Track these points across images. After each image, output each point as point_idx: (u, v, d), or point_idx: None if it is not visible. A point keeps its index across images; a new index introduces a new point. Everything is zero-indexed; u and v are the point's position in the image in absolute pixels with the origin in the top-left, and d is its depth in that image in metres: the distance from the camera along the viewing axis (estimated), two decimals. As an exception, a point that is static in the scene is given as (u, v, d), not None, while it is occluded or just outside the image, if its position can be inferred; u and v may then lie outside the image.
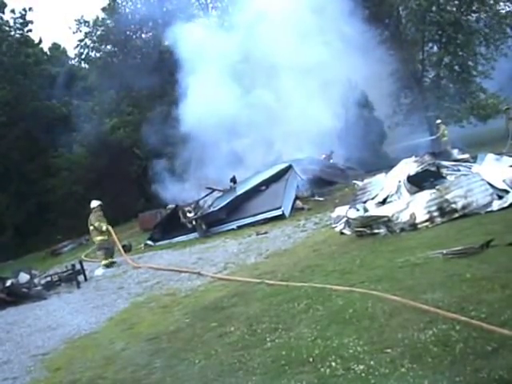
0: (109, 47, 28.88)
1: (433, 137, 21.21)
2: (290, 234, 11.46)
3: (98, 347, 6.59)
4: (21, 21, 30.03)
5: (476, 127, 22.86)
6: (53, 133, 29.51)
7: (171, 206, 18.40)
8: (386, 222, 8.54)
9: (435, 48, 23.53)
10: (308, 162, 17.96)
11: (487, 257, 5.76)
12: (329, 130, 19.51)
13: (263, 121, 19.44)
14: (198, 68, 19.99)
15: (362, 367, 3.91)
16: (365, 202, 10.17)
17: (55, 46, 36.64)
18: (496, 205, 8.33)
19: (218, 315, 6.38)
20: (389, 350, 4.06)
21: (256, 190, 15.67)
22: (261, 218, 14.10)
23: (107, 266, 12.86)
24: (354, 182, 15.23)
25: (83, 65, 32.12)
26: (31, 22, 30.35)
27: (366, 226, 8.76)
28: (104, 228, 13.09)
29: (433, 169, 9.84)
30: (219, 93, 19.35)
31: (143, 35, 28.39)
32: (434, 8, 21.26)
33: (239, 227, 14.26)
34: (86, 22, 28.44)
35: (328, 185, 17.32)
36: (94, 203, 13.55)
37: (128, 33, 28.08)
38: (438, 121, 20.75)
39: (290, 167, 16.41)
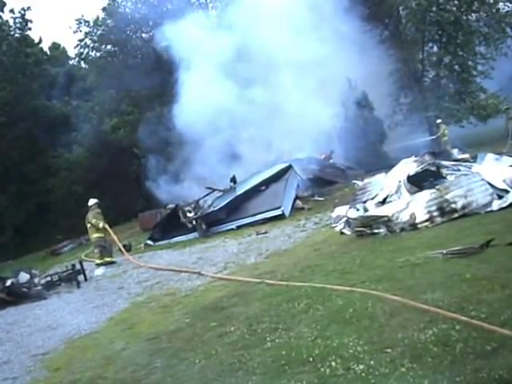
0: (109, 47, 28.85)
1: (433, 137, 21.20)
2: (290, 233, 11.47)
3: (98, 347, 6.59)
4: (20, 20, 30.03)
5: (476, 127, 22.85)
6: (53, 133, 29.52)
7: (171, 205, 18.42)
8: (386, 221, 8.55)
9: (435, 48, 23.52)
10: (308, 162, 17.97)
11: (487, 257, 5.75)
12: (328, 129, 19.52)
13: (263, 121, 19.45)
14: (197, 67, 19.99)
15: (361, 367, 3.90)
16: (365, 202, 10.17)
17: (55, 46, 36.67)
18: (496, 205, 8.33)
19: (217, 315, 6.38)
20: (389, 350, 4.06)
21: (256, 190, 15.68)
22: (261, 217, 14.11)
23: (101, 265, 12.88)
24: (354, 182, 15.23)
25: (83, 65, 32.09)
26: (30, 22, 30.37)
27: (366, 226, 8.77)
28: (100, 225, 13.13)
29: (433, 169, 9.84)
30: (218, 92, 19.35)
31: (143, 35, 28.37)
32: (433, 8, 21.24)
33: (239, 227, 14.26)
34: (86, 21, 28.42)
35: (328, 185, 17.32)
36: (92, 201, 13.68)
37: (128, 32, 28.06)
38: (439, 120, 20.74)
39: (289, 167, 16.42)
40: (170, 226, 15.97)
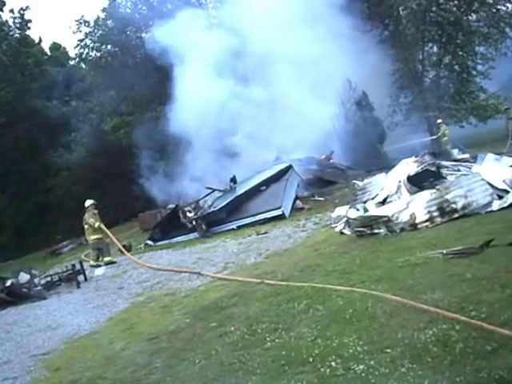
0: (109, 47, 28.85)
1: (433, 137, 21.19)
2: (290, 233, 11.47)
3: (98, 347, 6.59)
4: (19, 20, 30.06)
5: (476, 127, 22.86)
6: (53, 133, 29.55)
7: (171, 206, 18.43)
8: (386, 222, 8.54)
9: (435, 48, 23.52)
10: (308, 162, 17.98)
11: (487, 257, 5.75)
12: (329, 129, 19.54)
13: (263, 121, 19.47)
14: (196, 67, 19.99)
15: (361, 367, 3.90)
16: (365, 202, 10.17)
17: (56, 46, 36.69)
18: (496, 205, 8.33)
19: (218, 315, 6.38)
20: (389, 350, 4.06)
21: (256, 190, 15.68)
22: (261, 217, 14.11)
23: (96, 266, 12.93)
24: (354, 182, 15.23)
25: (83, 65, 32.11)
26: (30, 22, 30.40)
27: (366, 226, 8.76)
28: (96, 225, 13.17)
29: (433, 169, 9.85)
30: (218, 92, 19.36)
31: (143, 35, 28.37)
32: (433, 8, 21.24)
33: (239, 227, 14.26)
34: (86, 22, 28.43)
35: (328, 185, 17.34)
36: (88, 202, 13.74)
37: (128, 33, 28.06)
38: (439, 121, 20.74)
39: (289, 167, 16.43)
40: (170, 226, 15.97)
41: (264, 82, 19.87)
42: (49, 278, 11.90)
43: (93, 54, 29.11)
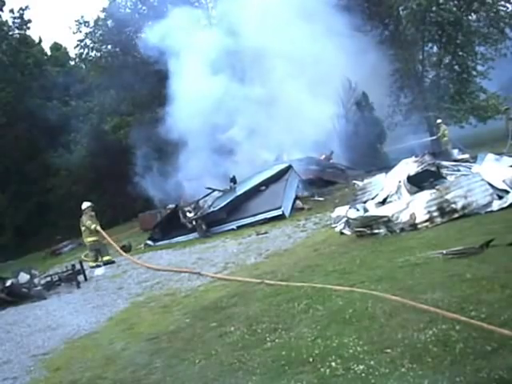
0: (109, 47, 28.85)
1: (433, 137, 21.19)
2: (290, 233, 11.46)
3: (98, 347, 6.59)
4: (19, 20, 30.06)
5: (476, 127, 22.85)
6: (53, 133, 29.55)
7: (171, 206, 18.43)
8: (386, 222, 8.54)
9: (435, 48, 23.52)
10: (308, 162, 17.98)
11: (487, 257, 5.75)
12: (329, 130, 19.54)
13: (263, 121, 19.47)
14: (196, 66, 20.00)
15: (361, 367, 3.90)
16: (365, 202, 10.17)
17: (56, 46, 36.70)
18: (496, 205, 8.33)
19: (218, 315, 6.38)
20: (389, 350, 4.06)
21: (256, 190, 15.67)
22: (261, 218, 14.11)
23: (96, 267, 12.96)
24: (354, 181, 15.24)
25: (83, 65, 32.12)
26: (30, 21, 30.40)
27: (366, 226, 8.76)
28: (93, 227, 13.24)
29: (433, 169, 9.85)
30: (217, 93, 19.37)
31: (143, 35, 28.36)
32: (433, 8, 21.24)
33: (239, 227, 14.26)
34: (86, 22, 28.44)
35: (328, 185, 17.34)
36: (85, 204, 13.77)
37: (128, 33, 28.06)
38: (439, 121, 20.74)
39: (289, 167, 16.42)
40: (170, 226, 15.97)
41: (264, 82, 19.86)
42: (49, 278, 11.90)
43: (93, 54, 29.13)
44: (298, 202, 15.11)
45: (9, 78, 29.56)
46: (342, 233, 9.71)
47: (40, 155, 30.81)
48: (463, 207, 8.35)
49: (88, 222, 13.31)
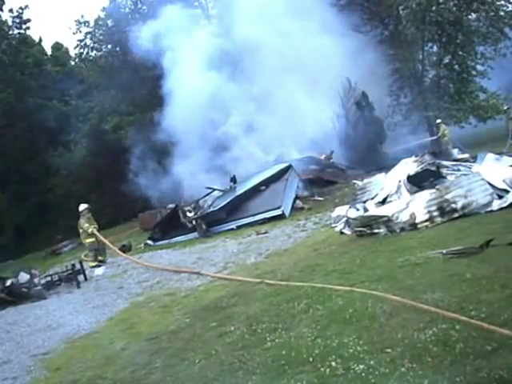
0: (109, 47, 28.85)
1: (434, 137, 21.17)
2: (290, 233, 11.46)
3: (98, 347, 6.59)
4: (18, 20, 30.05)
5: (476, 127, 22.84)
6: (53, 133, 29.54)
7: (171, 205, 18.42)
8: (386, 221, 8.54)
9: (435, 48, 23.50)
10: (308, 162, 17.97)
11: (487, 257, 5.75)
12: (329, 129, 19.54)
13: (263, 121, 19.47)
14: (195, 67, 20.00)
15: (361, 367, 3.90)
16: (365, 202, 10.17)
17: (57, 46, 36.71)
18: (496, 204, 8.33)
19: (218, 315, 6.38)
20: (389, 350, 4.06)
21: (256, 190, 15.67)
22: (261, 217, 14.10)
23: (96, 266, 12.97)
24: (354, 181, 15.23)
25: (83, 65, 32.11)
26: (29, 21, 30.38)
27: (366, 226, 8.76)
28: (89, 230, 13.31)
29: (433, 169, 9.84)
30: (217, 93, 19.37)
31: (139, 34, 28.32)
32: (433, 7, 21.22)
33: (239, 227, 14.25)
34: (86, 22, 28.44)
35: (328, 185, 17.33)
36: (82, 206, 13.83)
37: (128, 33, 28.02)
38: (438, 120, 20.72)
39: (289, 167, 16.41)
40: (170, 226, 15.97)
41: (264, 81, 19.86)
42: (49, 278, 11.90)
43: (93, 54, 29.13)
44: (297, 201, 15.10)
45: (9, 78, 29.54)
46: (341, 232, 9.71)
47: (40, 155, 30.81)
48: (463, 207, 8.34)
49: (86, 224, 13.39)
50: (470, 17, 22.55)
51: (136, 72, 25.23)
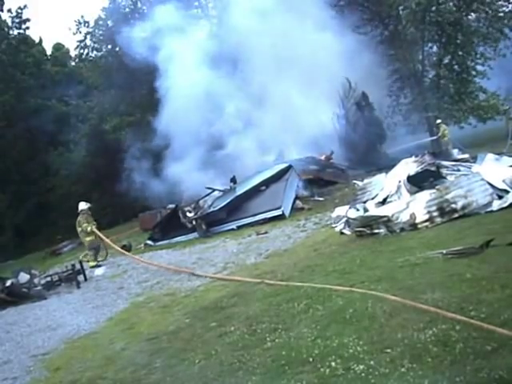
0: (109, 47, 28.84)
1: (434, 137, 21.17)
2: (290, 233, 11.46)
3: (98, 347, 6.59)
4: (17, 20, 30.05)
5: (476, 127, 22.85)
6: (52, 132, 29.52)
7: (171, 205, 18.42)
8: (386, 222, 8.54)
9: (435, 48, 23.50)
10: (308, 162, 17.97)
11: (487, 257, 5.75)
12: (329, 129, 19.54)
13: (263, 120, 19.46)
14: (195, 67, 20.00)
15: (361, 367, 3.91)
16: (365, 202, 10.17)
17: (58, 46, 36.72)
18: (496, 205, 8.33)
19: (217, 315, 6.38)
20: (389, 350, 4.06)
21: (256, 190, 15.67)
22: (261, 217, 14.10)
23: (96, 266, 12.97)
24: (354, 182, 15.23)
25: (83, 65, 32.13)
26: (28, 20, 30.38)
27: (366, 226, 8.76)
28: (89, 229, 13.32)
29: (433, 169, 9.84)
30: (217, 93, 19.36)
31: (136, 34, 28.31)
32: (433, 8, 21.23)
33: (239, 227, 14.25)
34: (85, 22, 28.45)
35: (328, 185, 17.33)
36: (82, 205, 13.80)
37: (128, 33, 28.01)
38: (438, 121, 20.72)
39: (289, 167, 16.41)
40: (170, 226, 15.96)
41: (265, 82, 19.86)
42: (49, 278, 11.91)
43: (93, 54, 29.14)
44: (297, 201, 15.10)
45: (9, 78, 29.54)
46: (341, 233, 9.71)
47: (40, 155, 30.81)
48: (463, 207, 8.35)
49: (85, 224, 13.38)
50: (469, 17, 22.55)
51: (136, 72, 25.19)
